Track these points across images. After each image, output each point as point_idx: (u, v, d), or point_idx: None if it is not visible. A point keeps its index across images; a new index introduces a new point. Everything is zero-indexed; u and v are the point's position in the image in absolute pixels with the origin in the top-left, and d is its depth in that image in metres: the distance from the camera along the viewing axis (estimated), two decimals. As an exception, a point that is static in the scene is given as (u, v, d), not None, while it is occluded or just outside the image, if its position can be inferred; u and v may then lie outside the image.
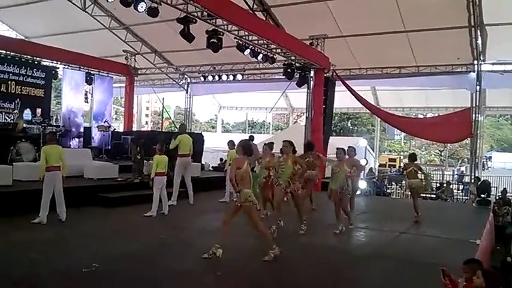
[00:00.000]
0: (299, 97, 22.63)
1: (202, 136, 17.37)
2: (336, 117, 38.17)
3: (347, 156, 8.62)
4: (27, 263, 5.45)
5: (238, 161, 6.02)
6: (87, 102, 19.06)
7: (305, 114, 17.62)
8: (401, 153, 43.34)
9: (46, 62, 17.17)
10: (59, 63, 17.67)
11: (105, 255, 5.96)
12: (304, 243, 7.24)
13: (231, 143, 10.92)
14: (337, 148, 8.35)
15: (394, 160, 35.27)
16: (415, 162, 10.19)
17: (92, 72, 18.68)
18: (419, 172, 9.88)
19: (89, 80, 18.63)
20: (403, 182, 21.47)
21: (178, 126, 10.77)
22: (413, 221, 9.55)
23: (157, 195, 9.04)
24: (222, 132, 38.70)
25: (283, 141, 7.79)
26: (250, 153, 6.15)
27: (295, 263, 6.19)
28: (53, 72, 17.28)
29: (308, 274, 5.67)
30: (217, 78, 19.50)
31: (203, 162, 16.43)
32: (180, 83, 22.62)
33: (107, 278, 5.09)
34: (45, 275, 5.05)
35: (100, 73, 19.15)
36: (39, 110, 15.42)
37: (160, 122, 32.74)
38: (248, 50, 13.26)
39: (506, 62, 15.84)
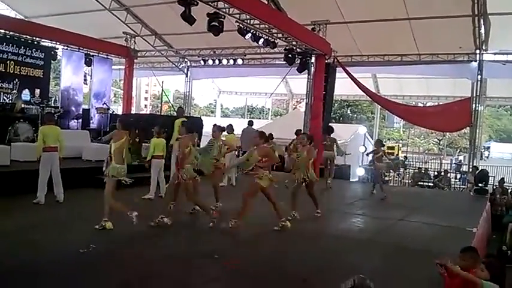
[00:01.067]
0: (299, 83, 22.53)
1: (201, 120, 17.30)
2: (336, 104, 38.10)
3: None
4: (24, 244, 5.46)
5: (185, 140, 6.77)
6: (86, 83, 18.98)
7: (305, 100, 17.56)
8: (400, 141, 43.41)
9: (45, 43, 17.03)
10: (58, 43, 17.52)
11: (102, 236, 5.98)
12: (302, 230, 7.25)
13: (229, 128, 11.28)
14: (300, 133, 8.72)
15: (393, 148, 35.28)
16: (382, 147, 11.84)
17: (91, 53, 18.55)
18: (384, 156, 11.59)
19: (88, 62, 18.51)
20: (401, 169, 21.62)
21: (176, 110, 10.73)
22: (380, 199, 10.48)
23: (155, 177, 9.04)
24: (221, 116, 38.62)
25: (258, 131, 7.88)
26: (192, 131, 7.13)
27: (292, 249, 6.21)
28: (52, 52, 17.15)
29: (305, 260, 5.69)
30: (217, 62, 19.35)
31: (202, 146, 16.40)
32: (180, 67, 22.48)
33: (104, 259, 5.11)
34: (42, 255, 5.06)
35: (99, 55, 19.02)
36: (37, 91, 15.34)
37: (160, 105, 32.71)
38: (249, 34, 13.14)
39: (509, 52, 15.75)
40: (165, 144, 9.28)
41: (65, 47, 17.84)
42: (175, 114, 25.12)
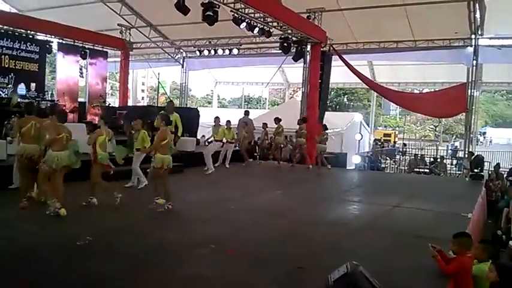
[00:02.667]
0: (295, 72, 22.51)
1: (198, 111, 17.35)
2: (332, 92, 38.14)
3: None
4: (21, 236, 5.51)
5: (162, 133, 7.20)
6: (82, 76, 18.93)
7: (301, 89, 17.57)
8: (397, 128, 43.51)
9: (40, 36, 16.99)
10: (53, 37, 17.46)
11: (99, 228, 6.02)
12: (299, 217, 7.34)
13: (227, 122, 12.59)
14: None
15: (389, 135, 35.47)
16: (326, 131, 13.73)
17: (86, 46, 18.50)
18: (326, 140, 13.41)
19: (84, 55, 18.46)
20: (397, 156, 21.75)
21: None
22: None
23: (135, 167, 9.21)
24: (218, 107, 38.58)
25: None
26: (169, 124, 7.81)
27: (289, 236, 6.28)
28: (47, 46, 17.11)
29: (302, 247, 5.77)
30: (213, 52, 19.33)
31: (199, 137, 16.46)
32: (176, 58, 22.44)
33: (101, 251, 5.16)
34: (38, 248, 5.10)
35: (94, 47, 18.96)
36: (33, 85, 15.34)
37: (156, 97, 32.67)
38: (244, 24, 13.12)
39: (504, 37, 15.78)
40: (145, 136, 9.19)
41: (60, 40, 17.76)
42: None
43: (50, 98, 16.05)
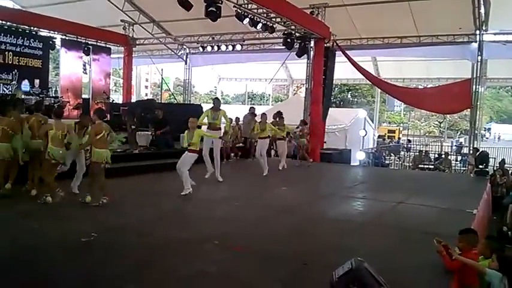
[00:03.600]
0: (299, 68, 22.43)
1: (201, 107, 17.30)
2: (336, 89, 38.04)
3: None
4: (26, 233, 5.51)
5: (97, 127, 7.12)
6: (86, 73, 18.94)
7: (305, 85, 17.52)
8: (401, 124, 43.38)
9: (43, 33, 16.99)
10: (56, 33, 17.46)
11: (103, 225, 6.01)
12: (303, 213, 7.31)
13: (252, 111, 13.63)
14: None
15: (393, 131, 35.37)
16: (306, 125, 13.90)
17: (89, 42, 18.50)
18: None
19: (87, 51, 18.46)
20: (401, 152, 21.69)
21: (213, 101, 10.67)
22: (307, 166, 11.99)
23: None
24: (222, 103, 38.53)
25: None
26: (103, 117, 7.65)
27: (293, 232, 6.26)
28: (51, 42, 17.12)
29: (306, 243, 5.75)
30: (216, 48, 19.29)
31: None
32: (179, 54, 22.41)
33: (105, 247, 5.15)
34: (43, 244, 5.10)
35: (98, 43, 18.96)
36: (37, 81, 15.37)
37: (160, 93, 32.68)
38: (247, 19, 13.07)
39: (509, 32, 15.65)
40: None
41: (63, 36, 17.77)
42: (176, 102, 25.20)
43: (53, 95, 16.08)
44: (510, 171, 14.16)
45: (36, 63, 16.13)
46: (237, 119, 14.12)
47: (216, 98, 10.99)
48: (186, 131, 8.44)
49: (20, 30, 15.86)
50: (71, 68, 17.94)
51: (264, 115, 11.77)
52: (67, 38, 17.87)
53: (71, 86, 17.61)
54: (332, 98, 23.03)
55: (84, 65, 18.71)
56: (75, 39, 18.07)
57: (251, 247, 5.42)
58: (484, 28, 15.61)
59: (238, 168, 12.94)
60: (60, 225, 6.00)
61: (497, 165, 14.42)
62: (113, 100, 19.95)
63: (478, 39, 15.78)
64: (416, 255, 5.28)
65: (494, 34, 15.95)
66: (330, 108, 17.75)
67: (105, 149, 7.14)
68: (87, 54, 18.58)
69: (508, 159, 17.07)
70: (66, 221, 6.22)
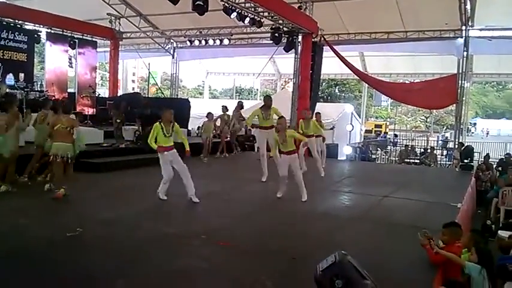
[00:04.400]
0: (287, 62, 22.44)
1: (189, 102, 17.28)
2: (324, 83, 38.12)
3: None
4: (11, 229, 5.46)
5: (54, 119, 7.27)
6: (71, 66, 18.71)
7: (292, 80, 17.54)
8: (388, 119, 43.68)
9: (28, 26, 16.73)
10: (42, 26, 17.21)
11: (89, 220, 5.98)
12: (291, 208, 7.32)
13: (224, 108, 13.31)
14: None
15: (380, 126, 35.61)
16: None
17: (75, 36, 18.25)
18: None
19: (73, 44, 18.22)
20: (388, 147, 21.85)
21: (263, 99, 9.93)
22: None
23: None
24: (210, 98, 38.47)
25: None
26: (64, 111, 7.49)
27: (281, 227, 6.28)
28: (36, 36, 16.86)
29: (294, 238, 5.77)
30: (203, 43, 19.21)
31: (189, 128, 16.41)
32: (166, 48, 22.26)
33: (91, 242, 5.13)
34: (28, 240, 5.06)
35: (84, 37, 18.74)
36: (22, 75, 15.15)
37: (147, 88, 32.45)
38: (235, 14, 13.02)
39: (494, 28, 15.82)
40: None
41: (49, 30, 17.53)
42: (163, 96, 25.06)
43: (39, 89, 15.88)
44: (494, 166, 14.38)
45: (21, 56, 15.89)
46: (210, 114, 13.23)
47: (268, 96, 10.10)
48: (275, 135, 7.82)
49: (5, 23, 15.59)
50: (56, 61, 17.71)
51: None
52: (52, 31, 17.62)
53: (56, 80, 17.37)
54: (319, 93, 23.12)
55: (70, 59, 18.46)
56: (61, 32, 17.83)
57: (239, 242, 5.42)
58: (470, 24, 15.76)
59: (227, 163, 12.95)
60: (49, 220, 5.97)
61: (482, 159, 14.60)
62: (99, 94, 19.79)
63: (464, 35, 15.93)
64: (401, 249, 5.34)
65: (480, 30, 16.11)
66: (318, 103, 17.80)
67: (63, 143, 7.03)
68: (73, 48, 18.34)
69: (492, 154, 17.28)
70: (53, 215, 6.18)
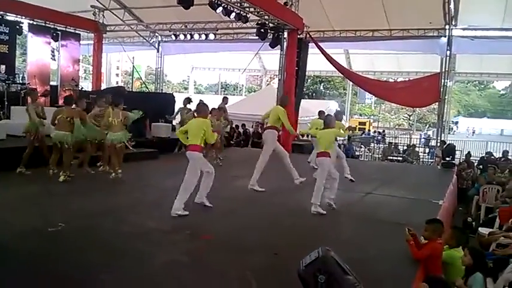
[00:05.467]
0: (272, 59, 22.44)
1: (174, 97, 17.15)
2: (309, 80, 38.25)
3: None
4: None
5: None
6: (54, 59, 18.42)
7: (278, 76, 17.54)
8: (372, 116, 44.02)
9: (10, 17, 16.40)
10: (24, 18, 16.89)
11: (72, 213, 5.93)
12: (273, 204, 7.34)
13: (186, 100, 12.18)
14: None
15: (364, 124, 35.89)
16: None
17: (58, 28, 17.96)
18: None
19: (56, 37, 17.93)
20: (371, 144, 22.02)
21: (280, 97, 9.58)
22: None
23: None
24: (195, 93, 38.26)
25: None
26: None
27: (263, 223, 6.29)
28: (18, 27, 16.53)
29: (276, 234, 5.79)
30: (189, 37, 19.07)
31: (174, 124, 16.29)
32: (151, 42, 22.06)
33: (77, 236, 5.08)
34: (8, 234, 4.99)
35: (67, 29, 18.45)
36: (3, 67, 14.89)
37: (131, 82, 32.17)
38: (220, 8, 12.95)
39: (477, 28, 16.02)
40: None
41: (31, 21, 17.21)
42: (148, 90, 24.85)
43: (20, 81, 15.63)
44: (476, 164, 14.59)
45: (3, 48, 15.58)
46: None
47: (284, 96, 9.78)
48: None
49: (-15, 14, 15.30)
50: (38, 54, 17.41)
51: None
52: (35, 23, 17.30)
53: (39, 73, 17.09)
54: (304, 90, 23.18)
55: (53, 51, 18.16)
56: (44, 24, 17.52)
57: (222, 237, 5.43)
58: (453, 23, 15.94)
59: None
60: (31, 213, 5.89)
61: (464, 157, 14.80)
62: (82, 88, 19.51)
63: (447, 34, 16.11)
64: (384, 245, 5.39)
65: (463, 29, 16.31)
66: (302, 100, 17.84)
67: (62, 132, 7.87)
68: (56, 40, 18.04)
69: (474, 152, 17.54)
70: (38, 209, 6.11)
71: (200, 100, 8.06)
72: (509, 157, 15.40)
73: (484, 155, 16.73)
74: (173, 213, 6.02)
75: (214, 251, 4.93)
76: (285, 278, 3.86)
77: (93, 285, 3.94)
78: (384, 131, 27.74)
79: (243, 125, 18.18)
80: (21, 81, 15.56)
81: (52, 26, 17.71)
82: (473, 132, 41.79)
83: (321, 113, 11.02)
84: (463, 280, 4.59)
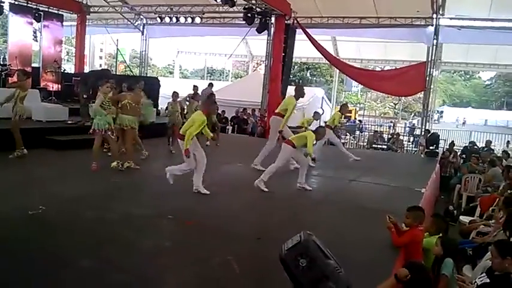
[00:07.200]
0: (259, 44, 22.30)
1: (158, 81, 16.96)
2: (296, 67, 38.14)
3: None
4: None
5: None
6: (36, 40, 18.02)
7: (265, 62, 17.44)
8: (358, 105, 44.14)
9: (-10, -4, 15.98)
10: (5, -4, 16.47)
11: (54, 198, 5.82)
12: (258, 190, 7.31)
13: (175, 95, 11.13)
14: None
15: (350, 112, 35.93)
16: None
17: (40, 8, 17.53)
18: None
19: (38, 17, 17.51)
20: (357, 132, 22.13)
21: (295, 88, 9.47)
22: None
23: None
24: (180, 78, 37.94)
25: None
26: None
27: (248, 208, 6.27)
28: (-2, 6, 16.12)
29: (260, 219, 5.78)
30: (174, 20, 18.77)
31: (159, 108, 16.14)
32: (136, 24, 21.72)
33: (54, 220, 5.00)
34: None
35: (49, 9, 18.03)
36: (-18, 47, 14.52)
37: (115, 65, 31.72)
38: (207, -9, 12.78)
39: (464, 18, 16.07)
40: None
41: (12, 1, 16.77)
42: (132, 74, 24.55)
43: (1, 62, 15.27)
44: (458, 153, 14.75)
45: (-18, 27, 15.25)
46: (175, 94, 11.29)
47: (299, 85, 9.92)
48: None
49: (-36, -9, 14.86)
50: (20, 34, 16.98)
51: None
52: (16, 2, 16.87)
53: (20, 54, 16.70)
54: (291, 76, 23.09)
55: (35, 32, 17.74)
56: (25, 4, 17.07)
57: (205, 222, 5.40)
58: (440, 12, 15.96)
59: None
60: (10, 197, 5.77)
61: (447, 146, 14.94)
62: (65, 70, 19.17)
63: (434, 23, 16.13)
64: (366, 231, 5.42)
65: (450, 19, 16.36)
66: (289, 86, 17.77)
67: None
68: (38, 21, 17.62)
69: (457, 142, 17.72)
70: (15, 193, 5.99)
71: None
72: (492, 147, 15.60)
73: (467, 144, 16.93)
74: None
75: (197, 236, 4.91)
76: (268, 262, 3.85)
77: (70, 272, 3.86)
78: (361, 121, 27.74)
79: (223, 112, 17.85)
80: (1, 62, 15.20)
81: (34, 6, 17.25)
82: (464, 123, 41.11)
83: (316, 114, 11.54)
84: (435, 268, 4.63)
